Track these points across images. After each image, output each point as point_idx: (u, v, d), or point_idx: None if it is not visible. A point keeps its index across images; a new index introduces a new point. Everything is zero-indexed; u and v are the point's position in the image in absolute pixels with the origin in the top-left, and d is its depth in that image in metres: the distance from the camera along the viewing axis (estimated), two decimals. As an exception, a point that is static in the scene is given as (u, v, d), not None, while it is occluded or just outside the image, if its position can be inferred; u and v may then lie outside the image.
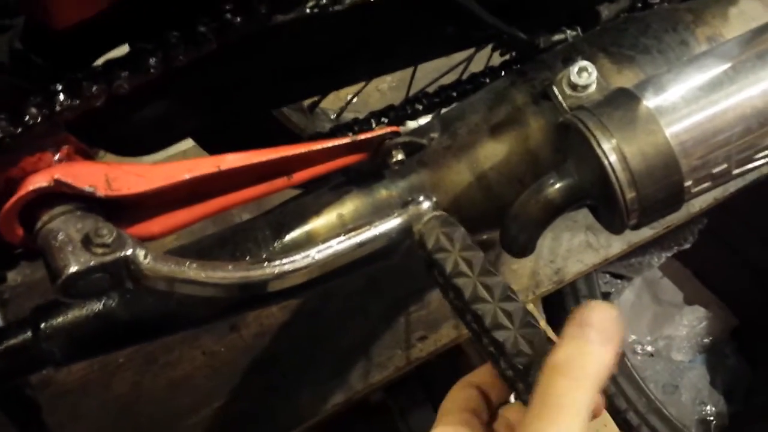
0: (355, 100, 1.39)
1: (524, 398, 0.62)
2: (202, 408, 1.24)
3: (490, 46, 1.11)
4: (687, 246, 2.34)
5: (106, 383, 1.26)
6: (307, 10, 0.73)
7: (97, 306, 0.76)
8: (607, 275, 2.52)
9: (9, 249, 0.75)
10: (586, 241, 1.53)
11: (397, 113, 0.99)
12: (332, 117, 1.26)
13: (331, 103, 1.27)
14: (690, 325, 2.52)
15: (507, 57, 1.01)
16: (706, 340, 2.49)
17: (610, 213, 0.74)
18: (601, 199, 0.74)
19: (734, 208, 1.87)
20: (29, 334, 0.76)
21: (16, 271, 1.20)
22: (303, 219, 0.82)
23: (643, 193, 0.70)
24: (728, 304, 2.53)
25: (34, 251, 0.69)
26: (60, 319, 0.76)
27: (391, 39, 0.82)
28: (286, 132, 1.07)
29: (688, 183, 0.71)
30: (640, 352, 2.51)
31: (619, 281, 2.53)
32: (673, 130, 0.70)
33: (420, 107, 0.99)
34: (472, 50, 1.20)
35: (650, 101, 0.72)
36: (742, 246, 2.48)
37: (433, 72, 1.22)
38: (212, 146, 0.96)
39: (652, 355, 2.51)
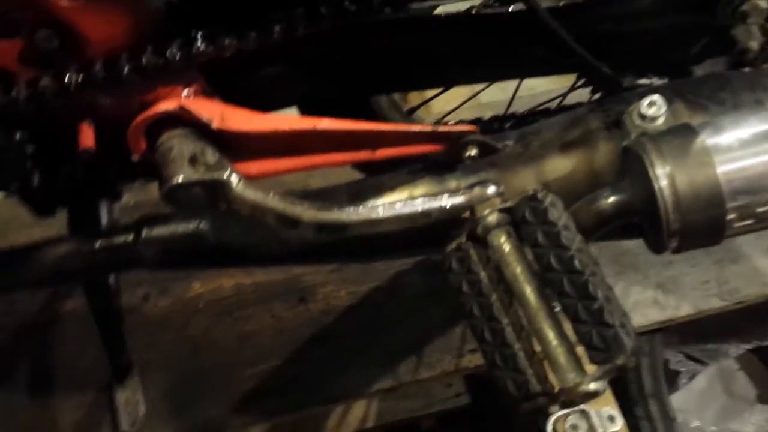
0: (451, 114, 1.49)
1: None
2: (261, 363, 1.35)
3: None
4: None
5: (183, 323, 1.39)
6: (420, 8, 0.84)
7: (192, 225, 0.89)
8: (681, 355, 2.47)
9: (130, 165, 0.89)
10: (654, 297, 1.55)
11: (483, 126, 1.08)
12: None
13: (427, 113, 1.37)
14: (758, 424, 2.42)
15: (598, 96, 1.09)
16: (772, 443, 2.38)
17: (654, 232, 0.80)
18: (647, 218, 0.81)
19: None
20: (131, 237, 0.89)
21: (130, 195, 1.36)
22: (378, 192, 0.92)
23: (686, 219, 0.76)
24: (804, 411, 2.41)
25: (151, 166, 0.83)
26: (159, 230, 0.89)
27: (486, 50, 0.92)
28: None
29: (730, 217, 0.76)
30: (701, 440, 2.43)
31: (692, 363, 2.48)
32: (725, 168, 0.76)
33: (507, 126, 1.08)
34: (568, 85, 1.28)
35: (708, 138, 0.78)
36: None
37: (527, 102, 1.31)
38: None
39: (713, 446, 2.42)
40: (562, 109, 1.09)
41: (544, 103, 1.28)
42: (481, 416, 1.87)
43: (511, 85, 1.30)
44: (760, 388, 2.50)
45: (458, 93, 1.28)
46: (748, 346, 2.34)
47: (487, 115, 1.16)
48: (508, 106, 1.29)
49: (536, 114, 1.09)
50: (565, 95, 1.23)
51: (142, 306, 1.39)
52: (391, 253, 0.93)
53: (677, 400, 2.38)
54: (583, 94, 1.25)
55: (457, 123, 1.05)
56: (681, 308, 1.55)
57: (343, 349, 1.38)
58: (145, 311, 1.39)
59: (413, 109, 1.30)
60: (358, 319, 1.43)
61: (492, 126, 1.08)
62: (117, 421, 1.25)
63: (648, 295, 1.55)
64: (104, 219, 1.02)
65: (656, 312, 1.54)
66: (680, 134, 0.79)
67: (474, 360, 1.40)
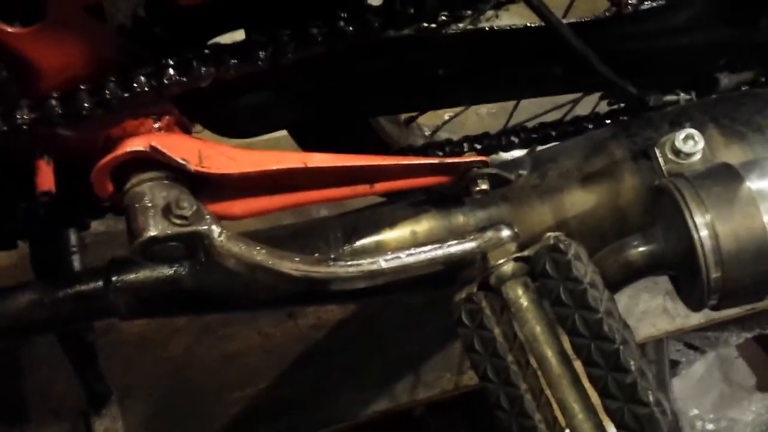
0: (451, 121, 1.39)
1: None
2: (248, 386, 1.28)
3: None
4: (769, 331, 2.22)
5: (163, 343, 1.30)
6: (423, 28, 0.74)
7: (168, 271, 0.80)
8: (681, 344, 2.42)
9: (98, 201, 0.79)
10: (663, 306, 1.48)
11: (491, 141, 0.98)
12: (426, 134, 1.26)
13: (428, 119, 1.27)
14: (758, 412, 2.39)
15: (614, 107, 0.99)
16: (770, 431, 2.36)
17: (691, 288, 0.71)
18: (683, 272, 0.72)
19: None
20: (100, 283, 0.80)
21: (100, 221, 1.26)
22: (376, 228, 0.83)
23: (728, 276, 0.68)
24: (804, 400, 2.38)
25: (119, 208, 0.72)
26: (131, 276, 0.80)
27: (499, 69, 0.82)
28: (378, 140, 1.08)
29: (779, 274, 0.68)
30: (699, 428, 2.40)
31: (691, 352, 2.43)
32: (774, 217, 0.67)
33: (516, 140, 0.98)
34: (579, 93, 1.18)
35: (754, 183, 0.68)
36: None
37: (535, 107, 1.21)
38: (305, 141, 0.98)
39: (710, 433, 2.40)
40: (576, 120, 0.99)
41: (551, 110, 1.18)
42: (471, 405, 1.82)
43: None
44: (759, 375, 2.46)
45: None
46: (749, 335, 2.30)
47: (491, 123, 1.05)
48: (510, 116, 1.19)
49: (547, 127, 0.98)
50: (576, 102, 1.13)
51: (118, 325, 1.29)
52: (391, 294, 0.83)
53: (675, 387, 2.34)
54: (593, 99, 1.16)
55: (468, 153, 0.95)
56: (691, 317, 1.49)
57: (335, 368, 1.31)
58: (121, 331, 1.30)
59: (412, 118, 1.19)
60: (351, 335, 1.35)
61: (501, 141, 0.97)
62: (95, 454, 1.16)
63: (657, 303, 1.48)
64: (71, 250, 0.92)
65: (666, 321, 1.47)
66: (722, 177, 0.70)
67: (474, 378, 1.32)
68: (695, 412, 2.40)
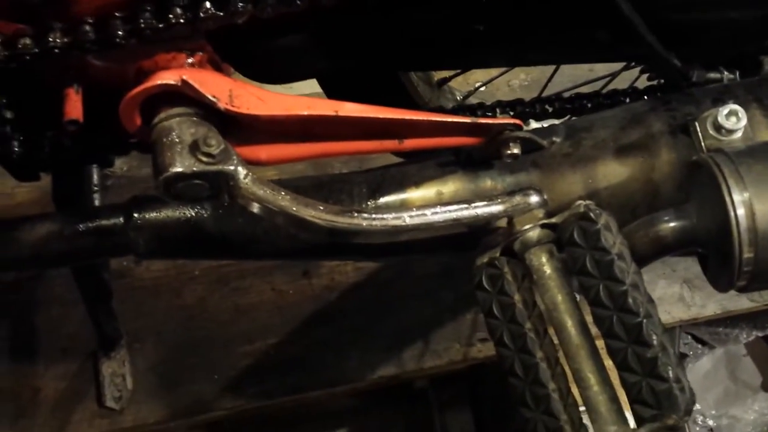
0: (483, 88, 1.37)
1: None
2: (257, 340, 1.27)
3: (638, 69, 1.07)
4: (782, 331, 2.20)
5: (176, 290, 1.30)
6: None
7: (190, 212, 0.79)
8: (690, 336, 2.41)
9: (125, 136, 0.78)
10: (680, 294, 1.46)
11: (524, 108, 0.96)
12: (458, 97, 1.24)
13: (460, 84, 1.25)
14: (761, 411, 2.38)
15: (654, 83, 0.96)
16: (771, 432, 2.34)
17: (720, 267, 0.70)
18: (713, 251, 0.70)
19: None
20: (121, 219, 0.79)
21: (124, 160, 1.26)
22: (401, 186, 0.81)
23: (761, 256, 0.66)
24: (810, 404, 2.36)
25: (146, 144, 0.71)
26: (153, 214, 0.79)
27: (542, 30, 0.79)
28: (408, 99, 1.06)
29: (813, 259, 0.66)
30: (700, 423, 2.39)
31: (699, 346, 2.42)
32: (814, 200, 0.65)
33: (550, 109, 0.96)
34: (618, 66, 1.15)
35: (797, 164, 0.66)
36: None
37: (568, 81, 1.18)
38: (335, 93, 0.96)
39: (711, 430, 2.38)
40: (613, 94, 0.97)
41: (585, 83, 1.16)
42: (475, 380, 1.81)
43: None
44: (765, 375, 2.44)
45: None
46: (760, 333, 2.28)
47: (522, 94, 1.03)
48: (545, 86, 1.16)
49: (583, 98, 0.96)
50: (615, 76, 1.11)
51: (133, 270, 1.29)
52: (411, 254, 0.82)
53: (679, 380, 2.31)
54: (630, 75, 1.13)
55: (502, 115, 0.93)
56: (707, 307, 1.47)
57: (345, 329, 1.30)
58: (136, 276, 1.29)
59: (445, 80, 1.17)
60: (364, 298, 1.34)
61: (534, 109, 0.96)
62: (101, 395, 1.17)
63: (674, 291, 1.46)
64: (93, 188, 0.91)
65: (681, 309, 1.46)
66: (763, 157, 0.68)
67: (484, 350, 1.32)
68: (698, 407, 2.39)
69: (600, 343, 0.67)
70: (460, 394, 1.75)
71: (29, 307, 1.26)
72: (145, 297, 1.28)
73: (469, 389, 1.84)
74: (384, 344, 1.30)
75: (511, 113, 0.93)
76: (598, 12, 0.77)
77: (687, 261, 1.47)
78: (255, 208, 0.69)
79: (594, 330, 0.68)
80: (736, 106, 0.72)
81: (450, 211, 0.73)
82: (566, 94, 0.97)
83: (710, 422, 2.39)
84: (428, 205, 0.76)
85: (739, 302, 1.48)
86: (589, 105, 0.95)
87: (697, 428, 2.36)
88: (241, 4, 0.67)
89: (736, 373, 2.47)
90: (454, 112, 0.91)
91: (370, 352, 1.29)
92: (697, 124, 0.75)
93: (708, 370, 2.45)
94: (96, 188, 1.02)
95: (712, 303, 1.47)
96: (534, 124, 1.10)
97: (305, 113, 0.71)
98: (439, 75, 1.17)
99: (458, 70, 1.15)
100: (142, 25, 0.66)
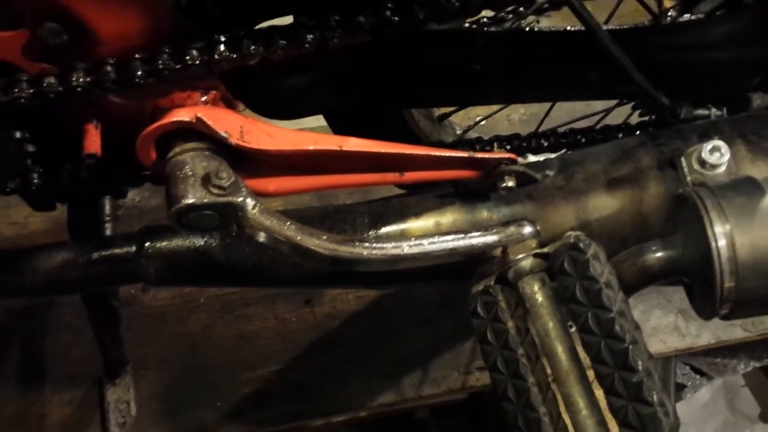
0: (484, 122, 1.41)
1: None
2: (260, 367, 1.30)
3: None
4: (779, 362, 2.21)
5: (182, 318, 1.33)
6: (465, 25, 0.76)
7: (199, 242, 0.82)
8: (688, 367, 2.42)
9: (139, 169, 0.82)
10: (675, 324, 1.49)
11: (521, 143, 1.00)
12: (458, 132, 1.28)
13: (460, 119, 1.29)
14: (759, 443, 2.38)
15: (646, 118, 1.01)
16: (771, 464, 2.34)
17: (704, 296, 0.73)
18: (698, 280, 0.73)
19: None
20: (133, 248, 0.82)
21: (135, 191, 1.30)
22: (402, 216, 0.85)
23: (742, 286, 0.69)
24: (808, 435, 2.36)
25: (159, 177, 0.75)
26: (163, 243, 0.82)
27: (535, 70, 0.84)
28: (410, 134, 1.10)
29: (793, 289, 0.69)
30: (700, 455, 2.39)
31: (698, 377, 2.43)
32: (793, 232, 0.69)
33: (545, 143, 1.00)
34: (612, 102, 1.20)
35: (776, 197, 0.70)
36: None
37: (566, 115, 1.23)
38: (340, 127, 1.00)
39: (711, 461, 2.38)
40: (606, 129, 1.01)
41: (581, 118, 1.20)
42: (476, 411, 1.82)
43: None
44: (763, 405, 2.45)
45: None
46: (757, 364, 2.29)
47: (521, 129, 1.07)
48: (542, 121, 1.21)
49: (578, 133, 1.00)
50: (609, 111, 1.15)
51: (140, 298, 1.32)
52: (410, 282, 0.86)
53: (679, 411, 2.33)
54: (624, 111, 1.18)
55: (498, 149, 0.97)
56: (701, 337, 1.49)
57: (346, 357, 1.33)
58: (143, 303, 1.33)
59: (445, 115, 1.22)
60: (365, 326, 1.37)
61: (531, 144, 1.00)
62: (106, 421, 1.19)
63: (669, 321, 1.49)
64: (105, 218, 0.95)
65: (676, 339, 1.48)
66: (744, 190, 0.71)
67: (482, 379, 1.35)
68: (697, 437, 2.40)
69: (591, 374, 0.70)
70: (461, 426, 1.77)
71: (39, 333, 1.29)
72: (151, 324, 1.31)
73: (469, 420, 1.85)
74: (384, 372, 1.32)
75: (508, 148, 0.97)
76: (588, 54, 0.82)
77: (682, 291, 1.49)
78: (262, 237, 0.72)
79: (584, 356, 0.71)
80: (719, 142, 0.76)
81: (447, 241, 0.76)
82: (561, 129, 1.01)
83: (710, 453, 2.39)
84: (426, 234, 0.80)
85: (733, 332, 1.51)
86: (584, 140, 0.99)
87: (697, 459, 2.36)
88: (253, 46, 0.71)
89: (734, 404, 2.47)
90: (453, 146, 0.94)
91: (371, 380, 1.31)
92: (683, 159, 0.79)
93: (707, 401, 2.46)
94: (108, 218, 1.06)
95: (706, 333, 1.49)
96: (531, 158, 1.15)
97: (311, 148, 0.75)
98: (439, 110, 1.22)
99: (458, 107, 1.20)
100: (161, 66, 0.70)
